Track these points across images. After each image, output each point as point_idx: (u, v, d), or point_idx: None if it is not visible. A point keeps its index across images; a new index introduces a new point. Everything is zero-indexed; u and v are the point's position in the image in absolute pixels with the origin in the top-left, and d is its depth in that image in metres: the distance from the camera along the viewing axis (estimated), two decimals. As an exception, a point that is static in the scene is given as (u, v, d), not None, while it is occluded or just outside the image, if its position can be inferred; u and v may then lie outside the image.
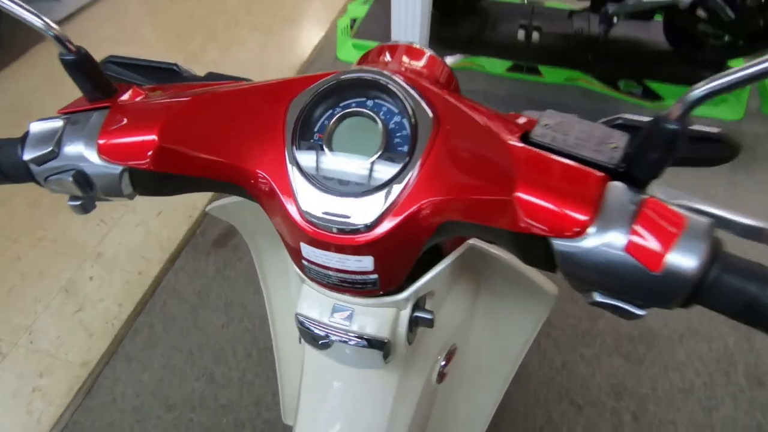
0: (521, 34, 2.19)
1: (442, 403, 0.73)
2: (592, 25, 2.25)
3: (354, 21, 2.29)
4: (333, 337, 0.39)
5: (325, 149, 0.30)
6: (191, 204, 1.58)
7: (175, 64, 0.42)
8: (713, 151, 0.30)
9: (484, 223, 0.27)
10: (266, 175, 0.31)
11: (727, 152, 0.30)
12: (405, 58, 0.41)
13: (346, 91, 0.31)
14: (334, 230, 0.29)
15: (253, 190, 0.32)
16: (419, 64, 0.41)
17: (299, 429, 0.54)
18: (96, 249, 1.46)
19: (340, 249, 0.30)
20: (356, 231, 0.29)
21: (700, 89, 0.21)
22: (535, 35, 2.16)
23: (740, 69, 0.20)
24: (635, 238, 0.22)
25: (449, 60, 2.05)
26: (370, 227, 0.29)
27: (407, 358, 0.53)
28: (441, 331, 0.56)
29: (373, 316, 0.39)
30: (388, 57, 0.43)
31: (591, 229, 0.23)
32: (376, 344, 0.38)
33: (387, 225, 0.29)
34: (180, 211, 1.57)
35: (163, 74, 0.42)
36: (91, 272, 1.40)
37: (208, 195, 1.59)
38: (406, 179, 0.28)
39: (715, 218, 0.24)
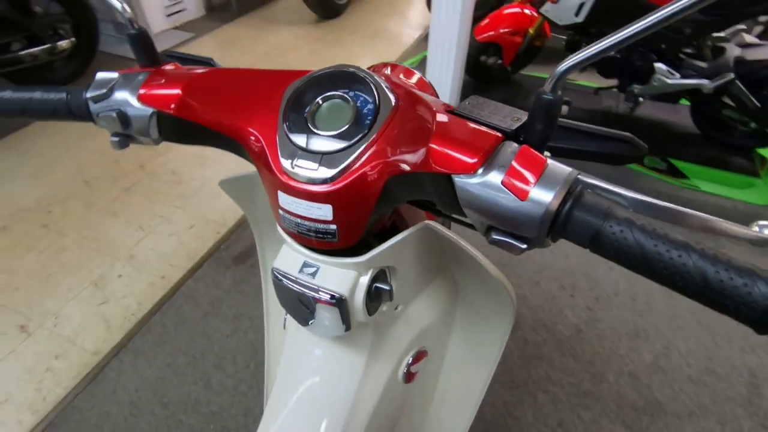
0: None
1: (417, 413, 0.74)
2: (620, 104, 2.35)
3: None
4: (299, 290, 0.45)
5: (308, 121, 0.38)
6: (221, 221, 1.71)
7: (211, 59, 0.54)
8: (621, 149, 0.37)
9: (412, 170, 0.35)
10: (259, 136, 0.39)
11: (634, 152, 0.37)
12: (393, 71, 0.51)
13: (335, 81, 0.40)
14: (304, 180, 0.37)
15: (248, 147, 0.41)
16: (403, 76, 0.51)
17: (269, 404, 0.58)
18: (130, 251, 1.59)
19: (307, 196, 0.38)
20: (320, 182, 0.37)
21: (566, 64, 0.28)
22: (564, 108, 2.28)
23: (596, 44, 0.28)
24: (510, 176, 0.29)
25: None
26: (330, 180, 0.36)
27: (373, 345, 0.57)
28: (409, 328, 0.61)
29: (335, 274, 0.45)
30: (388, 70, 0.53)
31: (480, 170, 0.30)
32: (336, 301, 0.44)
33: (344, 180, 0.36)
34: (210, 226, 1.69)
35: (202, 64, 0.54)
36: (122, 271, 1.52)
37: (237, 216, 1.72)
38: (363, 146, 0.36)
39: (627, 199, 0.31)
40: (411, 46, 3.08)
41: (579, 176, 0.30)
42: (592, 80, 2.45)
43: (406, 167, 0.36)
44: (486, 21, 2.34)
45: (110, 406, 1.18)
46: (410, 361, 0.62)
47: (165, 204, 1.79)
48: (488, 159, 0.31)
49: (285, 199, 0.40)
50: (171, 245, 1.62)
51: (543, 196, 0.28)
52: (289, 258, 0.46)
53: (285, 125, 0.39)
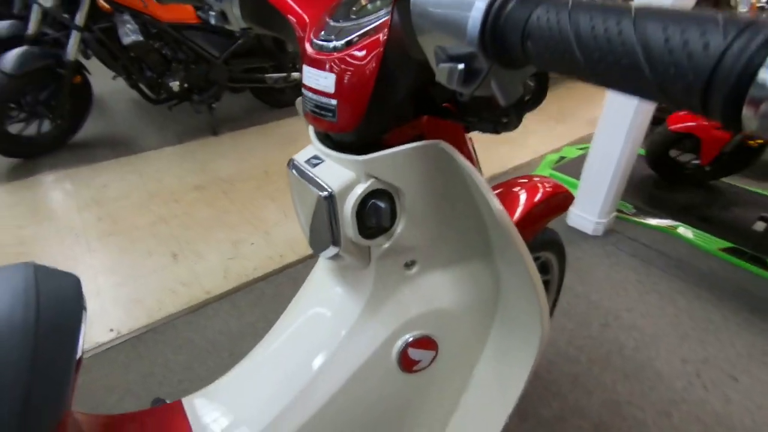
0: (760, 226, 1.86)
1: (433, 420, 0.64)
2: None
3: (562, 159, 2.40)
4: (301, 180, 0.46)
5: (345, 12, 0.42)
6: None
7: None
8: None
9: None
10: (307, 19, 0.45)
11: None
12: None
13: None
14: (317, 48, 0.41)
15: (299, 30, 0.46)
16: None
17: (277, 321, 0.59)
18: (268, 229, 1.84)
19: (318, 64, 0.41)
20: (329, 50, 0.40)
21: None
22: (776, 230, 1.79)
23: None
24: None
25: (653, 221, 1.90)
26: (336, 49, 0.39)
27: (372, 299, 0.54)
28: (418, 300, 0.55)
29: (334, 170, 0.45)
30: None
31: None
32: (327, 197, 0.43)
33: (347, 50, 0.39)
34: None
35: None
36: (255, 240, 1.77)
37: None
38: (372, 25, 0.39)
39: None
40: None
41: None
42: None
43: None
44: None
45: (195, 335, 1.35)
46: (409, 340, 0.55)
47: (311, 203, 2.04)
48: None
49: (306, 73, 0.43)
50: (299, 235, 1.81)
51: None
52: (305, 151, 0.49)
53: (328, 13, 0.43)
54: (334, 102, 0.41)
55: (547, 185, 0.78)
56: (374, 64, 0.38)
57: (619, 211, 1.91)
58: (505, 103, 0.30)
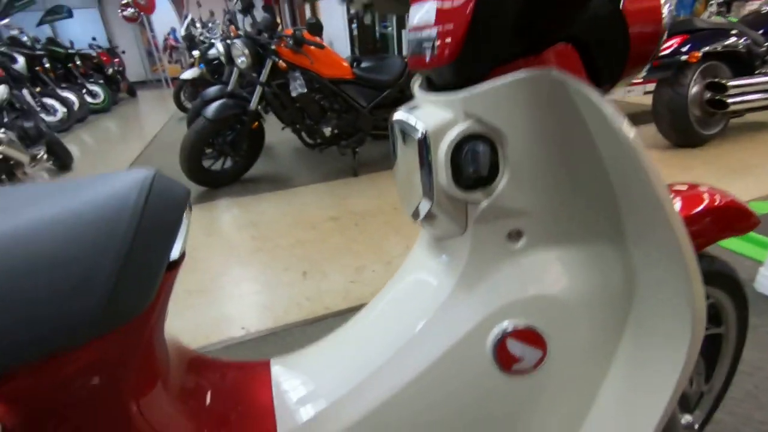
0: None
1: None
2: None
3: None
4: (398, 126, 0.46)
5: None
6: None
7: None
8: None
9: None
10: None
11: None
12: None
13: None
14: None
15: None
16: None
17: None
18: (389, 259, 1.88)
19: None
20: None
21: None
22: None
23: None
24: None
25: None
26: None
27: (467, 270, 0.49)
28: (523, 281, 0.48)
29: (430, 110, 0.43)
30: None
31: None
32: (421, 139, 0.42)
33: None
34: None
35: None
36: (376, 269, 1.81)
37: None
38: None
39: None
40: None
41: None
42: None
43: None
44: None
45: (306, 342, 1.40)
46: (508, 330, 0.48)
47: (434, 240, 2.03)
48: None
49: (411, 15, 0.44)
50: (419, 267, 1.80)
51: None
52: (407, 104, 0.49)
53: None
54: (434, 32, 0.40)
55: (719, 196, 0.62)
56: None
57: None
58: None
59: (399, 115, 0.48)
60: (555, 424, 0.49)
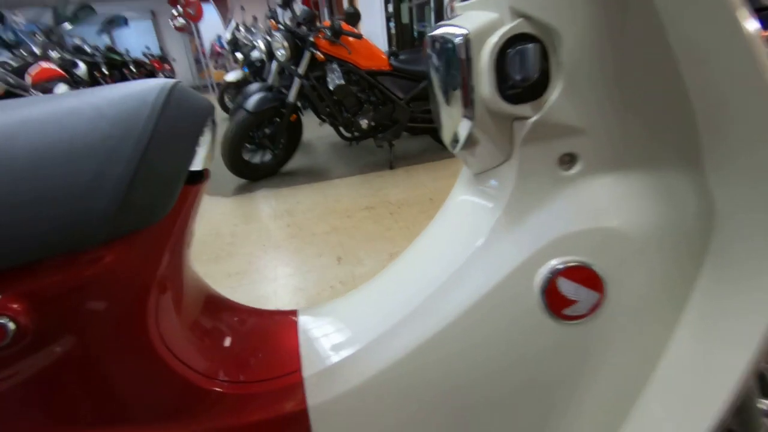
0: None
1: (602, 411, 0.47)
2: None
3: None
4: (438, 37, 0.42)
5: None
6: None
7: None
8: None
9: None
10: None
11: None
12: None
13: None
14: None
15: None
16: None
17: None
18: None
19: None
20: None
21: None
22: None
23: None
24: None
25: None
26: None
27: (512, 201, 0.44)
28: (578, 211, 0.42)
29: (472, 15, 0.39)
30: None
31: None
32: (462, 41, 0.38)
33: None
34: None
35: None
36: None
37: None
38: None
39: None
40: None
41: None
42: None
43: None
44: None
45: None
46: (559, 267, 0.42)
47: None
48: None
49: None
50: (456, 255, 1.74)
51: None
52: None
53: None
54: None
55: None
56: None
57: None
58: None
59: (436, 30, 0.44)
60: (614, 381, 0.43)
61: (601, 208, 0.41)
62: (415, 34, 5.99)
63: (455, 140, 0.44)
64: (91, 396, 0.37)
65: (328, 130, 3.02)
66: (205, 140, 0.40)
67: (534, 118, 0.38)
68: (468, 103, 0.40)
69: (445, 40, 0.40)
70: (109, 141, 0.32)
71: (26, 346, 0.33)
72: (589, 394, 0.44)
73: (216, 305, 0.53)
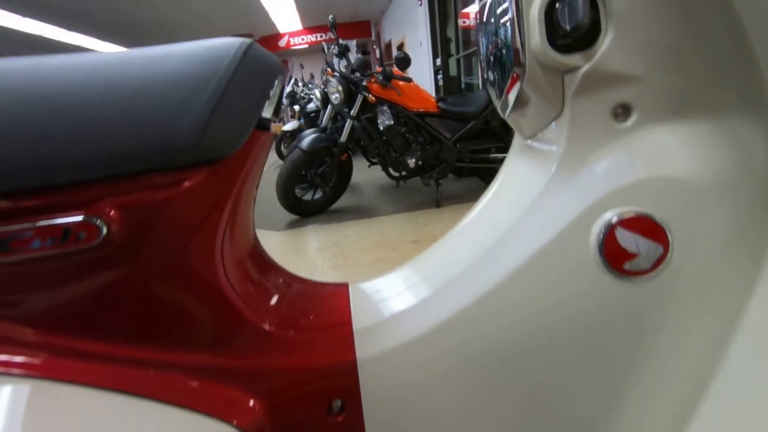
0: None
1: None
2: None
3: None
4: None
5: None
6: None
7: None
8: None
9: None
10: None
11: None
12: None
13: None
14: None
15: None
16: None
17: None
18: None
19: None
20: None
21: None
22: None
23: None
24: None
25: None
26: None
27: (569, 149, 0.44)
28: (638, 163, 0.41)
29: None
30: None
31: None
32: None
33: None
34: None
35: None
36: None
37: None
38: None
39: None
40: None
41: None
42: None
43: None
44: None
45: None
46: (616, 219, 0.41)
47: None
48: None
49: None
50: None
51: None
52: None
53: None
54: None
55: None
56: None
57: None
58: None
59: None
60: (686, 343, 0.39)
61: (661, 157, 0.39)
62: (463, 86, 6.21)
63: (505, 102, 0.46)
64: (152, 315, 0.39)
65: (376, 173, 3.12)
66: (274, 93, 0.44)
67: (585, 68, 0.39)
68: (518, 59, 0.41)
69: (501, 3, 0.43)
70: (197, 78, 0.37)
71: (107, 254, 0.36)
72: (655, 360, 0.40)
73: (271, 271, 0.55)
